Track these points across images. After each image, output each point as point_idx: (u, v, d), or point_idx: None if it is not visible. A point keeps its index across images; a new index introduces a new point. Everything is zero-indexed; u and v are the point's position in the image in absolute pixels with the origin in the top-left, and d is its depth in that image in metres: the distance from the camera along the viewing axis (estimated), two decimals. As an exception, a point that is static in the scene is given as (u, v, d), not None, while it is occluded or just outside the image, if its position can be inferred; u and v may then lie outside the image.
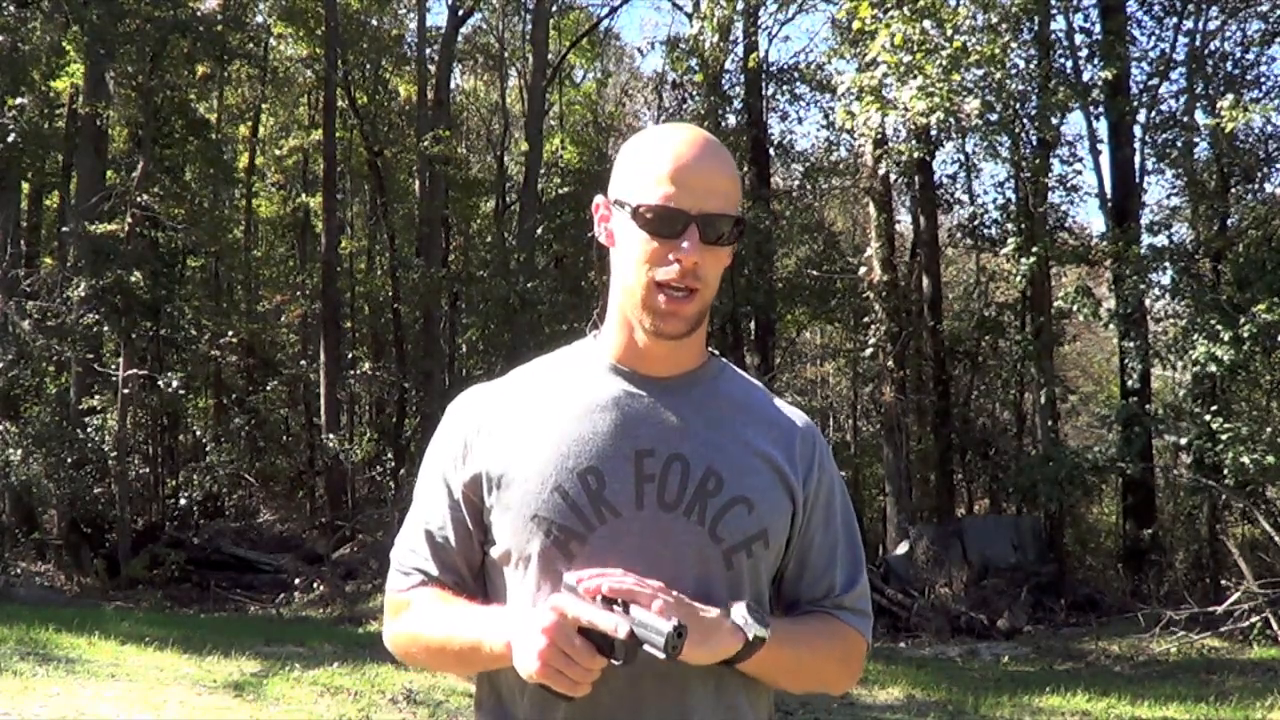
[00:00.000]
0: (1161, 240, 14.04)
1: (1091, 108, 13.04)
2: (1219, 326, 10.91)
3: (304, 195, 23.14)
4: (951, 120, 11.90)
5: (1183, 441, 11.78)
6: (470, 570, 1.50)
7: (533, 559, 1.40)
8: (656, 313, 1.39)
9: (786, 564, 1.50)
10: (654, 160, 1.40)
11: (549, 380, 1.49)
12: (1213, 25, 13.64)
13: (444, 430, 1.51)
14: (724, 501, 1.40)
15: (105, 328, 15.02)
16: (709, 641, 1.32)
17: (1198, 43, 13.48)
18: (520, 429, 1.44)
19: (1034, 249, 12.81)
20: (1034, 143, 13.82)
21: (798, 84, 17.39)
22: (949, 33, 10.53)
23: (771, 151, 17.76)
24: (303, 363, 21.26)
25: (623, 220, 1.42)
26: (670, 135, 1.42)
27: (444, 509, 1.48)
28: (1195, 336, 11.32)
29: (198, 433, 21.06)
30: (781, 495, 1.45)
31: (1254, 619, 10.09)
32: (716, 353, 1.53)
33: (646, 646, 1.25)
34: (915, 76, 10.49)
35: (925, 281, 16.43)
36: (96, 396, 15.92)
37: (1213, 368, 11.06)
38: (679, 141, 1.41)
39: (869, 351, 16.46)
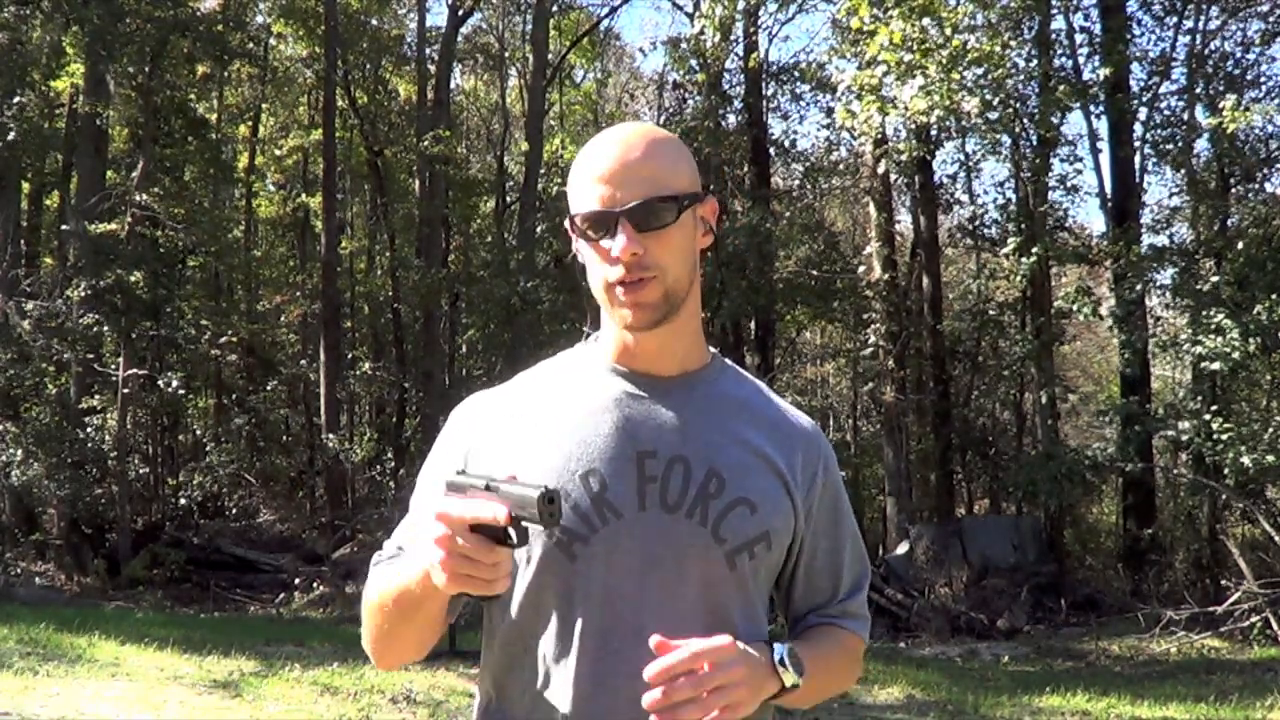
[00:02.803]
0: (1162, 240, 14.07)
1: (1091, 107, 13.04)
2: (1225, 321, 10.89)
3: (304, 195, 23.13)
4: (951, 119, 11.90)
5: (1183, 440, 11.77)
6: None
7: (534, 560, 1.40)
8: (621, 309, 1.39)
9: (791, 569, 1.51)
10: (581, 170, 1.40)
11: (550, 384, 1.48)
12: (1213, 25, 13.66)
13: (446, 436, 1.50)
14: (726, 503, 1.40)
15: (105, 328, 14.99)
16: (754, 687, 1.33)
17: (1198, 42, 13.49)
18: (522, 434, 1.44)
19: (1034, 249, 12.81)
20: (1034, 142, 13.83)
21: (798, 84, 17.38)
22: (948, 31, 10.53)
23: (772, 151, 17.75)
24: (303, 363, 21.24)
25: (575, 236, 1.43)
26: (595, 142, 1.42)
27: None
28: (1197, 334, 11.31)
29: (198, 433, 21.07)
30: (783, 497, 1.45)
31: (1254, 619, 10.09)
32: (718, 352, 1.53)
33: (529, 525, 1.23)
34: (915, 75, 10.49)
35: (925, 281, 16.43)
36: (96, 396, 15.90)
37: (1216, 365, 11.05)
38: (601, 144, 1.40)
39: (869, 351, 16.47)
